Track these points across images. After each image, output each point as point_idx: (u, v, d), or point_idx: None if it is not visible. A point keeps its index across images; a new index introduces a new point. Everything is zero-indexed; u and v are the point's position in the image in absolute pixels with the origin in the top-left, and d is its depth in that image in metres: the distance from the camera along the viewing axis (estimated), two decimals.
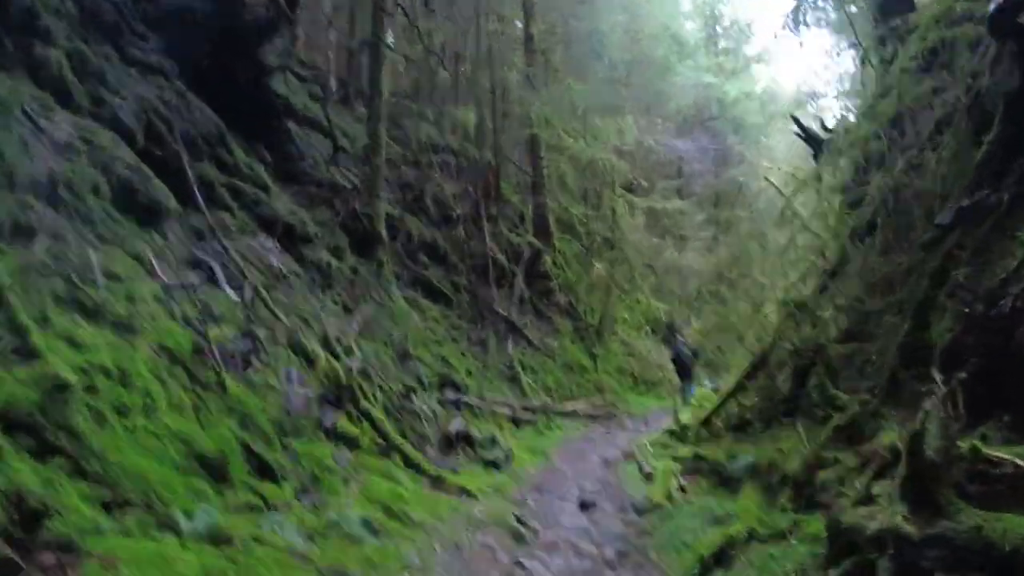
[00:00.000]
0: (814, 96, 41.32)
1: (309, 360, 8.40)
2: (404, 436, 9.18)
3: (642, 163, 33.83)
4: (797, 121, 14.49)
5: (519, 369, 17.41)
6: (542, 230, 23.94)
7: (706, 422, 11.11)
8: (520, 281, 20.86)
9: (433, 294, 17.90)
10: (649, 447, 12.07)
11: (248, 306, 7.90)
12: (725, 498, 7.40)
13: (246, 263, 9.04)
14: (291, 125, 14.54)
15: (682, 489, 8.68)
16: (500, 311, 19.04)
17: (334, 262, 12.53)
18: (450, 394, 12.62)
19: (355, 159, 16.51)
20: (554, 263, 23.74)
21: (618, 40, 25.14)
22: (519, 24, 24.52)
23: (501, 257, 21.18)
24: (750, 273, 38.86)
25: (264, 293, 8.60)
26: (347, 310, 12.01)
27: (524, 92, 21.97)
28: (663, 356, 25.61)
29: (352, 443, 7.90)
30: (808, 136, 13.76)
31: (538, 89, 21.98)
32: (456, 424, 10.91)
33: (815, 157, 13.14)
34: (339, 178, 15.55)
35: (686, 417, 12.43)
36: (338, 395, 8.25)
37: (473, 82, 22.86)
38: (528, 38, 23.57)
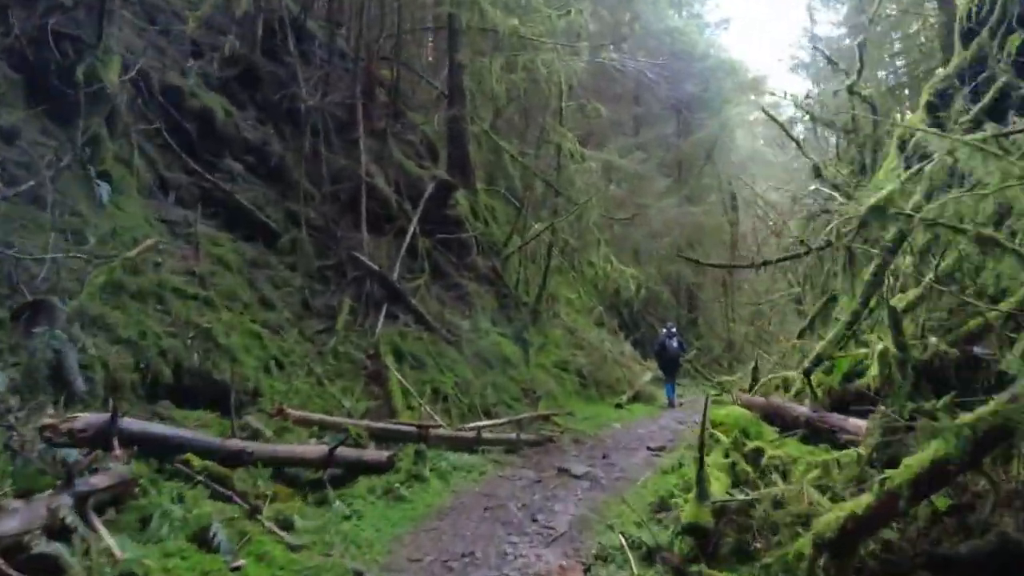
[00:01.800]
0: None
1: None
2: None
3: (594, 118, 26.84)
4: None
5: (390, 361, 9.95)
6: (458, 162, 16.50)
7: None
8: (416, 227, 13.38)
9: (245, 225, 10.29)
10: None
11: None
12: None
13: None
14: None
15: None
16: (371, 265, 11.52)
17: None
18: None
19: None
20: (473, 212, 16.37)
21: None
22: None
23: (385, 187, 13.65)
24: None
25: None
26: None
27: None
28: (622, 346, 18.61)
29: None
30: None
31: None
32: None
33: None
34: None
35: (689, 513, 5.07)
36: None
37: None
38: None
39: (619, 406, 14.83)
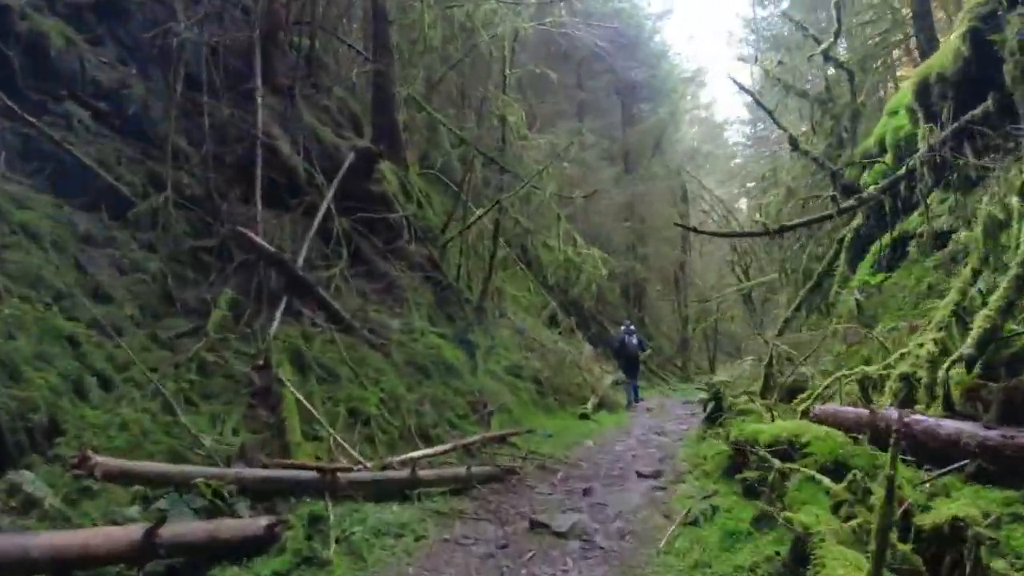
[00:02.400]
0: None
1: None
2: None
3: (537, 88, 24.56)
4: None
5: (287, 373, 7.20)
6: (385, 132, 13.83)
7: None
8: (331, 204, 10.62)
9: (85, 188, 7.38)
10: None
11: None
12: None
13: None
14: None
15: None
16: (266, 247, 8.73)
17: None
18: None
19: None
20: (404, 191, 13.70)
21: None
22: None
23: (291, 155, 10.84)
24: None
25: None
26: None
27: None
28: (581, 347, 16.26)
29: None
30: None
31: None
32: None
33: None
34: None
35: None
36: None
37: None
38: None
39: (585, 416, 12.42)
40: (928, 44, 16.36)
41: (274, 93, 11.65)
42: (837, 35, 14.93)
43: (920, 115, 9.28)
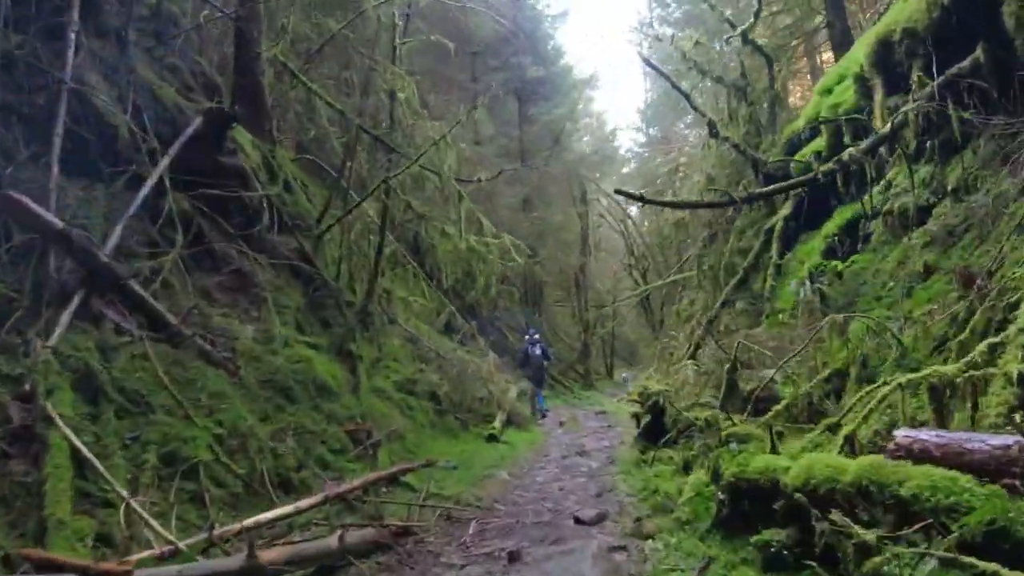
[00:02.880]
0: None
1: None
2: None
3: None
4: None
5: (63, 403, 4.73)
6: (247, 97, 11.30)
7: None
8: (165, 175, 8.05)
9: None
10: None
11: None
12: None
13: None
14: None
15: None
16: (52, 221, 6.15)
17: None
18: None
19: None
20: (269, 170, 11.21)
21: None
22: None
23: (116, 112, 8.18)
24: None
25: None
26: None
27: None
28: (484, 356, 14.30)
29: None
30: None
31: None
32: None
33: None
34: None
35: None
36: None
37: None
38: None
39: (494, 438, 10.44)
40: (842, 34, 15.85)
41: (98, 36, 8.96)
42: (757, 16, 13.95)
43: (877, 80, 8.06)
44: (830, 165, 6.77)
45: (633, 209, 40.62)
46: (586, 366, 28.03)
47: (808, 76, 18.72)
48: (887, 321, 5.63)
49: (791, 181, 7.00)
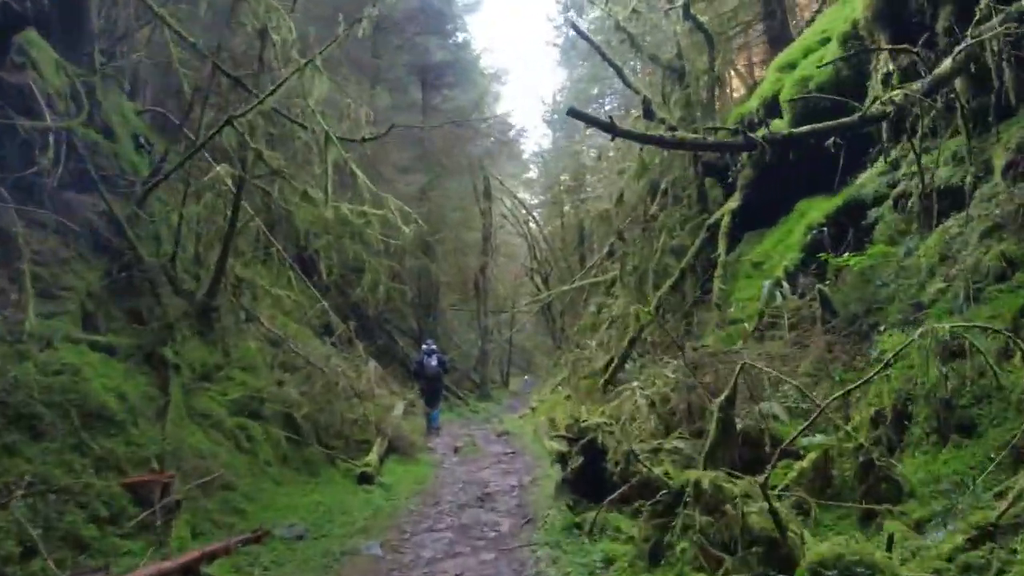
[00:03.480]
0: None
1: None
2: None
3: None
4: None
5: None
6: (67, 3, 8.14)
7: None
8: None
9: None
10: None
11: None
12: None
13: None
14: None
15: None
16: None
17: None
18: None
19: None
20: (77, 102, 8.09)
21: None
22: None
23: None
24: None
25: None
26: None
27: None
28: (364, 364, 11.63)
29: None
30: None
31: None
32: None
33: None
34: None
35: None
36: None
37: None
38: None
39: (367, 479, 7.83)
40: (780, 27, 14.53)
41: None
42: None
43: (881, 36, 6.28)
44: (879, 106, 4.89)
45: (537, 211, 38.93)
46: (482, 375, 25.75)
47: (743, 69, 17.43)
48: (968, 333, 3.67)
49: (832, 123, 5.06)
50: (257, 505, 6.02)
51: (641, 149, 11.98)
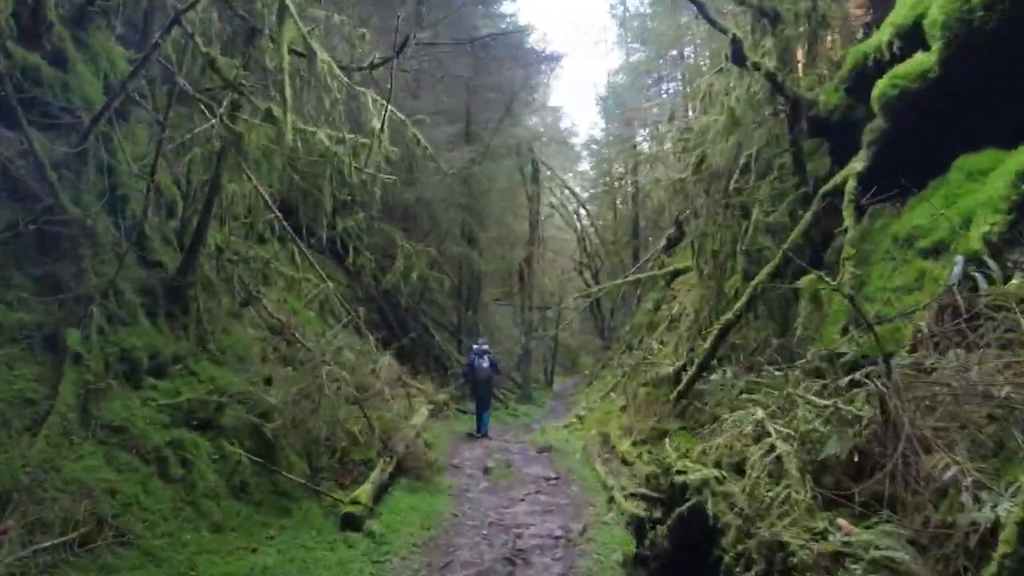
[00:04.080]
0: None
1: None
2: None
3: None
4: None
5: None
6: None
7: None
8: None
9: None
10: None
11: None
12: None
13: None
14: None
15: None
16: None
17: None
18: None
19: None
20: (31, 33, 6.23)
21: None
22: None
23: None
24: None
25: None
26: None
27: None
28: (376, 357, 9.53)
29: None
30: None
31: None
32: None
33: None
34: None
35: None
36: None
37: None
38: None
39: (351, 521, 5.69)
40: None
41: None
42: None
43: None
44: None
45: (589, 206, 36.57)
46: (524, 374, 23.54)
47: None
48: None
49: None
50: (170, 570, 3.96)
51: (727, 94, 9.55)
